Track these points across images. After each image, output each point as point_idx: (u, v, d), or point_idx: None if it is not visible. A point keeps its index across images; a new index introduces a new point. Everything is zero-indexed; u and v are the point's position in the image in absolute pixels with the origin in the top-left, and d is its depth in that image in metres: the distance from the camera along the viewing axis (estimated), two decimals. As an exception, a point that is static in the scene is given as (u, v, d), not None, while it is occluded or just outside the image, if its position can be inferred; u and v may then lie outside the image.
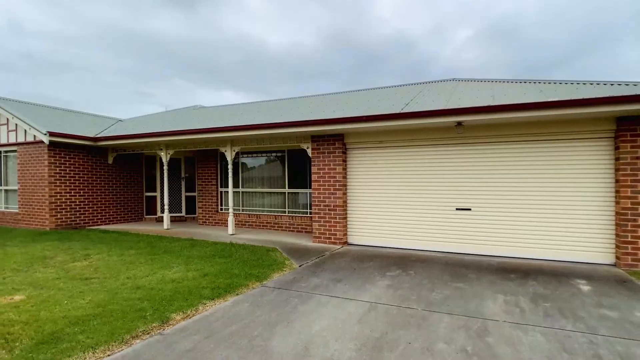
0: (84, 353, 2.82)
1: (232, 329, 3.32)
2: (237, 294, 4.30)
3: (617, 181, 5.52)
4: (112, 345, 2.97)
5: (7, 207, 10.65)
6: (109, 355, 2.82)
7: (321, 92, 11.92)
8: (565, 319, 3.56)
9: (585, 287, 4.60)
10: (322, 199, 7.60)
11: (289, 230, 9.33)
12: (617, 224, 5.54)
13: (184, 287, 4.44)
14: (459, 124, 6.16)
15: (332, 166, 7.50)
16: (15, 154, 10.24)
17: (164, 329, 3.32)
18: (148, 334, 3.22)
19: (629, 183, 5.39)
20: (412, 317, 3.63)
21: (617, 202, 5.53)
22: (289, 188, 9.50)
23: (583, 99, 5.05)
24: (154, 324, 3.38)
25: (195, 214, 11.84)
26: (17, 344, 2.97)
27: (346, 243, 7.53)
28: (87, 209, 10.23)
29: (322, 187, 7.61)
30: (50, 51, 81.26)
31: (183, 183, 11.92)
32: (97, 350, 2.87)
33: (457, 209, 6.59)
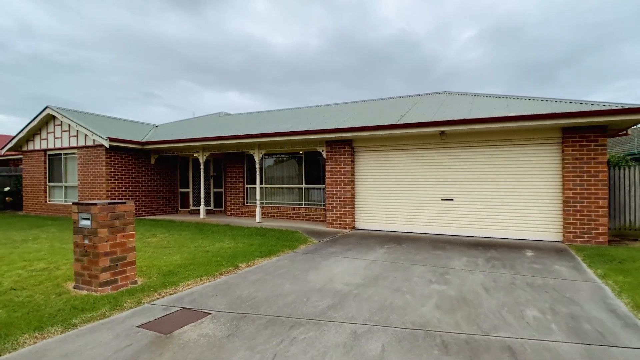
0: (195, 279, 4.62)
1: (280, 272, 5.10)
2: (278, 256, 6.08)
3: (563, 177, 7.17)
4: (209, 277, 4.76)
5: (66, 200, 12.61)
6: (209, 282, 4.61)
7: (332, 102, 13.62)
8: (504, 268, 5.26)
9: (529, 253, 6.29)
10: (334, 192, 9.35)
11: (305, 220, 11.09)
12: (563, 210, 7.19)
13: (239, 251, 6.24)
14: (443, 132, 7.87)
15: (342, 165, 9.25)
16: (75, 156, 12.19)
17: (236, 271, 5.11)
18: (227, 273, 5.01)
19: (570, 178, 7.05)
20: (399, 266, 5.37)
21: (563, 193, 7.18)
22: (305, 184, 11.26)
23: (532, 114, 6.73)
24: (230, 268, 5.17)
25: (221, 207, 13.67)
26: (151, 275, 4.78)
27: (354, 228, 9.27)
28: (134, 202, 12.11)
29: (334, 183, 9.36)
30: (58, 53, 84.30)
31: (212, 180, 13.77)
32: (202, 279, 4.67)
33: (442, 200, 8.29)
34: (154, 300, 3.92)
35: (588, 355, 2.71)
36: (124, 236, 4.31)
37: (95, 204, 4.04)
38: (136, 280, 4.47)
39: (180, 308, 3.70)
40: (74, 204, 4.23)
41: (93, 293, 4.03)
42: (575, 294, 4.12)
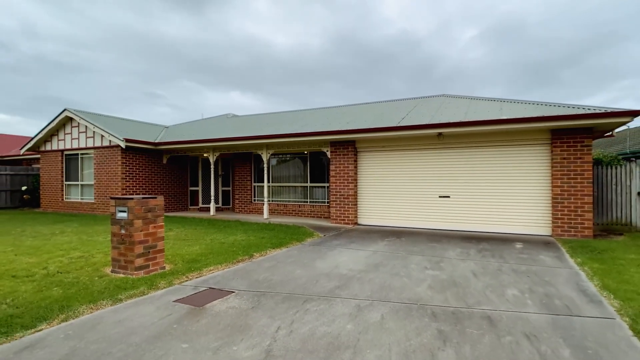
0: (215, 265, 5.20)
1: (290, 260, 5.67)
2: (287, 247, 6.66)
3: (552, 175, 7.70)
4: (228, 264, 5.34)
5: (82, 198, 13.24)
6: (229, 268, 5.19)
7: (334, 102, 14.17)
8: (493, 258, 5.81)
9: (519, 245, 6.82)
10: (338, 190, 9.92)
11: (310, 216, 11.65)
12: (552, 206, 7.72)
13: (252, 243, 6.81)
14: (440, 134, 8.41)
15: (346, 165, 9.81)
16: (91, 155, 12.81)
17: (251, 259, 5.69)
18: (243, 261, 5.59)
19: (558, 177, 7.57)
20: (398, 256, 5.93)
21: (552, 190, 7.71)
22: (310, 182, 11.83)
23: (521, 118, 7.26)
24: (245, 257, 5.75)
25: (229, 204, 14.26)
26: (176, 262, 5.36)
27: (356, 223, 9.83)
28: (147, 199, 12.72)
29: (338, 181, 9.93)
30: (61, 54, 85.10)
31: (220, 179, 14.37)
32: (222, 265, 5.25)
33: (439, 197, 8.84)
34: (183, 282, 4.50)
35: (553, 322, 3.26)
36: (154, 227, 4.89)
37: (132, 198, 4.62)
38: (164, 266, 5.05)
39: (207, 288, 4.27)
40: (111, 198, 4.82)
41: (129, 276, 4.61)
42: (553, 278, 4.66)
